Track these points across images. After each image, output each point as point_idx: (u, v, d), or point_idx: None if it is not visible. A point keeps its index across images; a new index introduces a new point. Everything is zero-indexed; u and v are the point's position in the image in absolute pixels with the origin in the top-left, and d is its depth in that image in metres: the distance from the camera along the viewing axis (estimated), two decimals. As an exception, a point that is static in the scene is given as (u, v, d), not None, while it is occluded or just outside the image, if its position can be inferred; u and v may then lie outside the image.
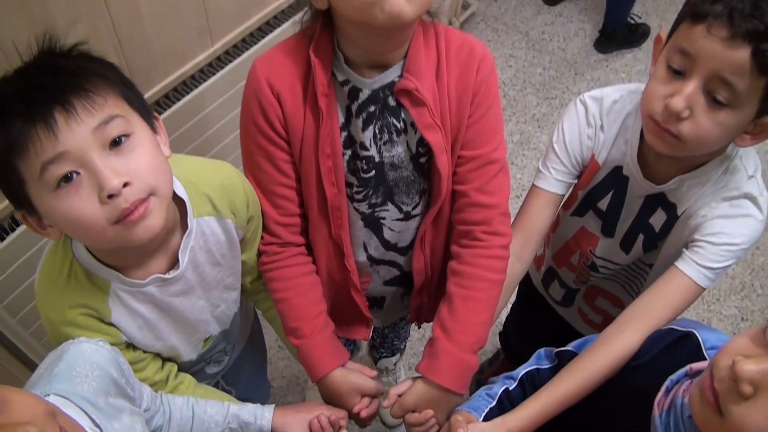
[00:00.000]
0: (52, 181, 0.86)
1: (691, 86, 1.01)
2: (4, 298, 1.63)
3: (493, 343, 2.28)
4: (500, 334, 2.12)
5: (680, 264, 1.15)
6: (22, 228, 1.57)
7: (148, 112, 1.00)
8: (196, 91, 1.98)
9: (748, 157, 1.17)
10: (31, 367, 1.80)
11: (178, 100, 1.96)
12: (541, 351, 1.28)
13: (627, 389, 1.05)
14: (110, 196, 0.88)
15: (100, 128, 0.88)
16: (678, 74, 1.04)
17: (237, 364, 1.53)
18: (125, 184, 0.89)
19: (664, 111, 1.05)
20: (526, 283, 1.84)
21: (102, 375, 0.93)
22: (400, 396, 1.22)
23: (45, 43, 0.93)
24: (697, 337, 1.03)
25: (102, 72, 0.93)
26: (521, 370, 1.24)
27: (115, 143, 0.90)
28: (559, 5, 3.59)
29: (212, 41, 1.99)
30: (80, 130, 0.86)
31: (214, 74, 2.00)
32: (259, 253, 1.27)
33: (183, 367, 1.28)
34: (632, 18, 3.38)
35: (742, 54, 0.96)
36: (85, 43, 0.96)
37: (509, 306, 2.04)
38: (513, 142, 2.99)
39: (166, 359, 1.24)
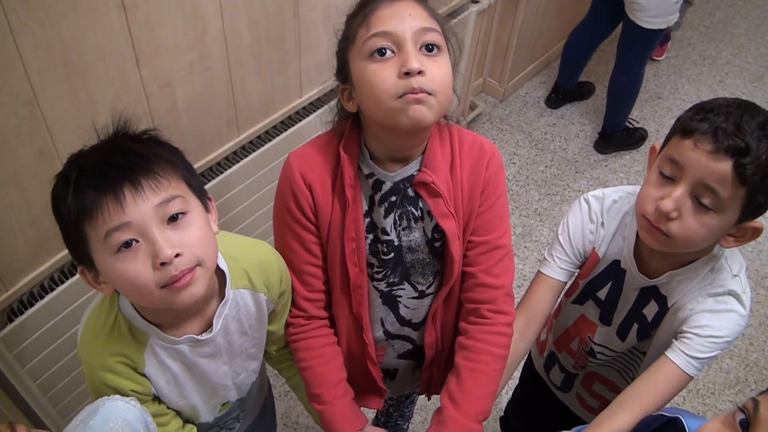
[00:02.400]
0: (114, 245, 0.98)
1: (680, 191, 1.15)
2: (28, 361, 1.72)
3: (493, 429, 2.34)
4: (501, 419, 2.19)
5: (669, 353, 1.26)
6: (49, 296, 1.68)
7: (203, 193, 1.13)
8: (222, 176, 2.12)
9: (734, 258, 1.30)
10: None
11: (206, 183, 2.09)
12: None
13: None
14: (162, 264, 1.00)
15: (162, 206, 1.00)
16: (669, 180, 1.18)
17: (247, 432, 1.61)
18: (177, 255, 1.01)
19: (655, 211, 1.18)
20: (528, 368, 1.93)
21: (131, 431, 1.03)
22: None
23: (120, 125, 1.06)
24: (682, 422, 1.11)
25: (168, 157, 1.06)
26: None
27: (173, 218, 1.02)
28: (560, 108, 3.80)
29: (239, 131, 2.14)
30: (145, 206, 0.98)
31: (239, 161, 2.14)
32: (287, 325, 1.38)
33: (199, 430, 1.36)
34: (630, 123, 3.57)
35: (725, 166, 1.10)
36: (156, 129, 1.10)
37: (511, 391, 2.11)
38: (516, 234, 3.13)
39: (186, 420, 1.33)
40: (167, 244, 0.99)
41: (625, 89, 3.31)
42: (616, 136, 3.53)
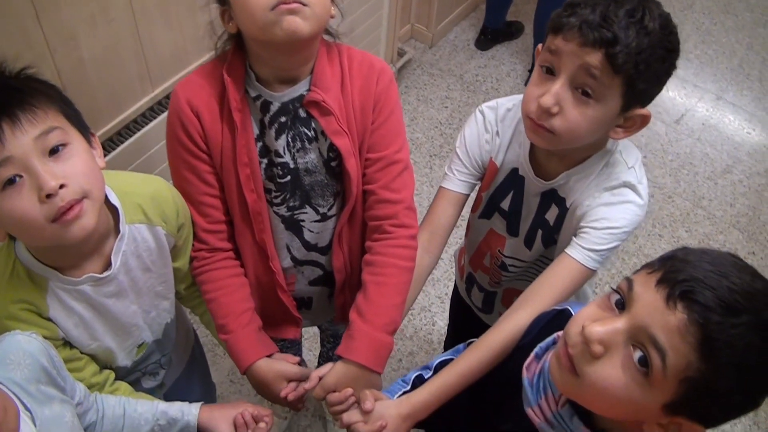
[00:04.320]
0: None
1: (558, 85, 1.15)
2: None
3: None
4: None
5: (568, 249, 1.28)
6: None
7: (84, 127, 1.13)
8: (139, 134, 2.09)
9: (629, 151, 1.31)
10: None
11: (122, 142, 2.07)
12: (461, 345, 1.38)
13: (513, 368, 1.12)
14: (48, 196, 1.00)
15: (41, 138, 1.01)
16: (549, 76, 1.18)
17: (179, 388, 1.61)
18: (61, 186, 1.01)
19: (537, 109, 1.18)
20: (455, 298, 1.96)
21: (33, 363, 1.02)
22: (321, 378, 1.31)
23: None
24: (570, 311, 1.13)
25: (44, 90, 1.07)
26: (436, 359, 1.34)
27: (54, 151, 1.03)
28: (491, 49, 3.80)
29: (153, 86, 2.11)
30: (24, 139, 0.99)
31: (155, 118, 2.11)
32: (191, 259, 1.38)
33: (118, 375, 1.36)
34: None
35: (596, 58, 1.11)
36: (31, 67, 1.10)
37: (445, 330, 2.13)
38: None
39: (103, 366, 1.33)
40: (50, 175, 1.00)
41: None
42: (498, 31, 3.72)
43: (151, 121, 2.13)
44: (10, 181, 0.99)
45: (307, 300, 1.56)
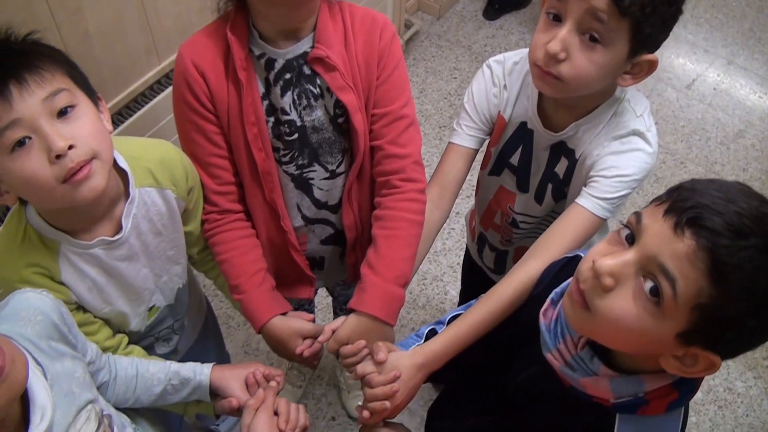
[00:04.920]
0: (8, 145, 0.99)
1: (564, 30, 1.14)
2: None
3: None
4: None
5: (578, 199, 1.27)
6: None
7: (91, 91, 1.14)
8: (146, 107, 2.09)
9: (637, 100, 1.30)
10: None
11: (130, 116, 2.07)
12: (473, 300, 1.38)
13: (527, 317, 1.12)
14: (58, 157, 1.01)
15: (49, 99, 1.02)
16: (557, 21, 1.17)
17: (193, 356, 1.61)
18: (70, 147, 1.02)
19: (545, 56, 1.17)
20: (467, 260, 1.96)
21: (45, 320, 1.03)
22: (334, 332, 1.31)
23: (2, 33, 1.06)
24: (581, 257, 1.11)
25: (51, 53, 1.07)
26: (449, 314, 1.33)
27: (62, 113, 1.04)
28: (499, 19, 3.77)
29: (159, 59, 2.10)
30: (32, 100, 1.00)
31: (162, 91, 2.11)
32: (202, 223, 1.38)
33: (132, 340, 1.37)
34: None
35: (602, 0, 1.09)
36: (37, 32, 1.10)
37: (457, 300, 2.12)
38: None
39: (116, 331, 1.34)
40: (59, 136, 1.01)
41: None
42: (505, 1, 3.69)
43: (158, 94, 2.13)
44: (20, 143, 1.00)
45: (319, 260, 1.57)
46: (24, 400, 0.93)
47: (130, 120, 2.05)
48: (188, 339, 1.60)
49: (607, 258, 0.86)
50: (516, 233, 1.56)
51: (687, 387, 0.93)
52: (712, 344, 0.82)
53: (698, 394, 2.44)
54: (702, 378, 0.95)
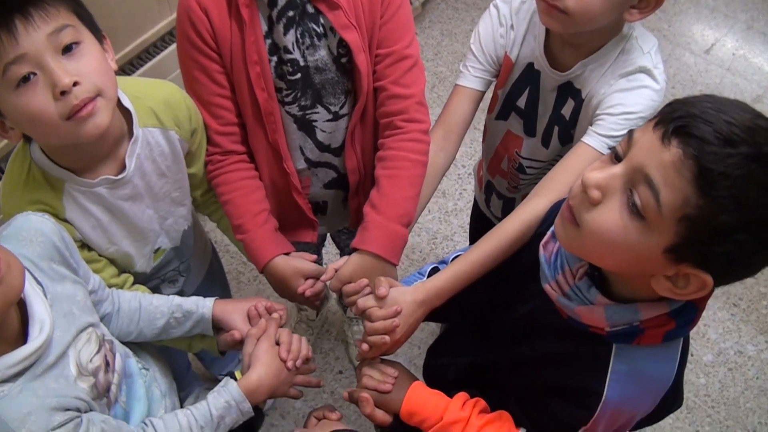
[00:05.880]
0: (13, 80, 1.00)
1: None
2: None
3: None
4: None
5: (584, 138, 1.25)
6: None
7: (96, 29, 1.13)
8: (158, 58, 2.09)
9: (645, 38, 1.27)
10: None
11: (141, 66, 2.08)
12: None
13: (531, 255, 1.12)
14: (62, 93, 1.01)
15: (54, 35, 1.01)
16: None
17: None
18: (75, 83, 1.02)
19: None
20: (474, 213, 1.95)
21: (46, 241, 1.04)
22: (337, 271, 1.31)
23: None
24: None
25: None
26: (453, 254, 1.33)
27: (67, 49, 1.04)
28: (516, -18, 3.71)
29: (170, 9, 2.10)
30: (37, 35, 0.99)
31: (174, 42, 2.10)
32: (205, 164, 1.38)
33: (137, 281, 1.38)
34: None
35: None
36: None
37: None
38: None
39: (122, 272, 1.34)
40: (64, 72, 1.01)
41: None
42: None
43: (169, 45, 2.14)
44: (25, 79, 1.00)
45: (322, 204, 1.56)
46: (23, 315, 0.94)
47: (141, 70, 2.06)
48: (194, 281, 1.61)
49: (595, 171, 0.86)
50: (523, 179, 1.55)
51: (684, 317, 0.92)
52: (702, 261, 0.80)
53: (708, 356, 2.43)
54: (701, 311, 0.94)
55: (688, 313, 0.92)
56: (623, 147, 0.86)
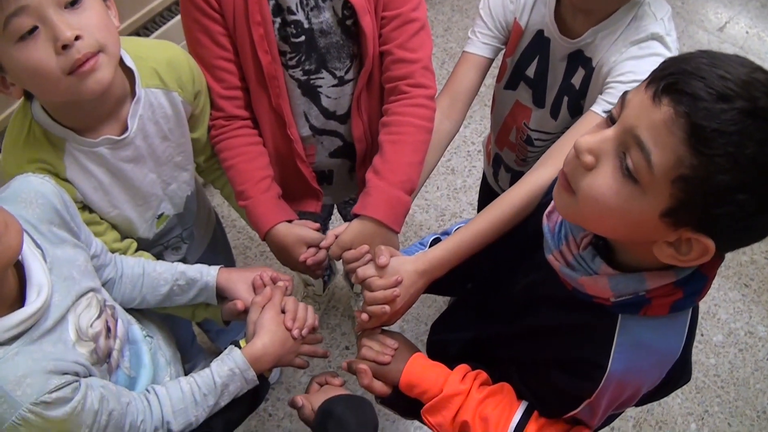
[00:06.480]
0: (15, 33, 0.97)
1: None
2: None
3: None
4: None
5: (594, 107, 1.22)
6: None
7: None
8: (164, 28, 2.07)
9: (658, 4, 1.24)
10: None
11: (147, 35, 2.05)
12: None
13: (536, 225, 1.09)
14: (64, 47, 0.99)
15: None
16: None
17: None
18: (77, 38, 1.00)
19: None
20: (483, 188, 1.93)
21: (46, 204, 1.02)
22: (337, 237, 1.29)
23: None
24: None
25: None
26: (456, 225, 1.31)
27: (70, 4, 1.01)
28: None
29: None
30: None
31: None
32: (209, 129, 1.36)
33: (141, 248, 1.36)
34: None
35: None
36: None
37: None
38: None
39: (125, 237, 1.33)
40: (66, 26, 0.99)
41: None
42: None
43: (175, 14, 2.12)
44: (26, 33, 0.98)
45: (328, 173, 1.54)
46: (21, 278, 0.93)
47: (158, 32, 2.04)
48: (197, 250, 1.60)
49: (587, 136, 0.84)
50: (531, 152, 1.52)
51: (692, 286, 0.89)
52: (702, 225, 0.77)
53: (719, 337, 2.41)
54: (710, 280, 0.91)
55: (696, 282, 0.89)
56: (617, 110, 0.84)
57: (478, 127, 2.94)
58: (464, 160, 2.86)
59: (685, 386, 2.25)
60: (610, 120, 0.84)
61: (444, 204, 2.73)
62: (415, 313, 2.42)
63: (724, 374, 2.34)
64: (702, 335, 2.42)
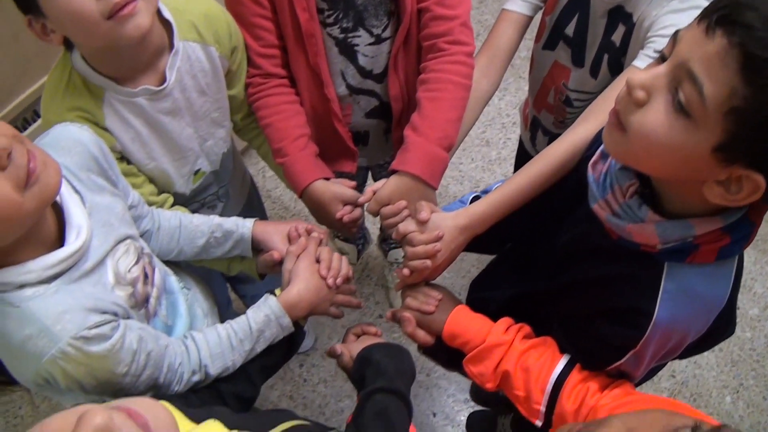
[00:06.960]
0: None
1: None
2: None
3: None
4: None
5: (635, 61, 1.20)
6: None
7: None
8: None
9: None
10: None
11: None
12: None
13: (578, 179, 1.08)
14: None
15: None
16: None
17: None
18: None
19: None
20: (519, 153, 1.91)
21: (84, 151, 1.04)
22: (375, 193, 1.29)
23: None
24: None
25: None
26: (495, 183, 1.30)
27: None
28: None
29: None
30: None
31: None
32: (246, 87, 1.37)
33: (177, 203, 1.38)
34: None
35: None
36: None
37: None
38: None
39: (161, 190, 1.35)
40: None
41: None
42: None
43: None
44: None
45: (364, 134, 1.54)
46: (60, 221, 0.94)
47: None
48: (233, 210, 1.61)
49: (640, 73, 0.82)
50: (570, 113, 1.50)
51: (740, 232, 0.88)
52: (754, 160, 0.76)
53: (755, 310, 2.38)
54: (757, 225, 0.89)
55: (744, 227, 0.88)
56: (668, 48, 0.82)
57: (513, 99, 2.92)
58: (499, 131, 2.84)
59: (720, 359, 2.25)
60: (661, 59, 0.83)
61: (479, 176, 2.72)
62: (449, 283, 2.42)
63: (760, 347, 2.32)
64: (738, 308, 2.39)
